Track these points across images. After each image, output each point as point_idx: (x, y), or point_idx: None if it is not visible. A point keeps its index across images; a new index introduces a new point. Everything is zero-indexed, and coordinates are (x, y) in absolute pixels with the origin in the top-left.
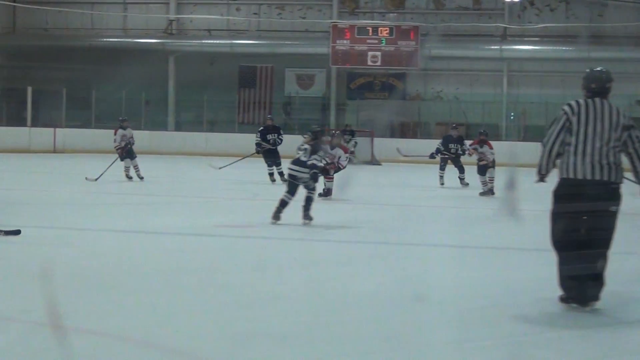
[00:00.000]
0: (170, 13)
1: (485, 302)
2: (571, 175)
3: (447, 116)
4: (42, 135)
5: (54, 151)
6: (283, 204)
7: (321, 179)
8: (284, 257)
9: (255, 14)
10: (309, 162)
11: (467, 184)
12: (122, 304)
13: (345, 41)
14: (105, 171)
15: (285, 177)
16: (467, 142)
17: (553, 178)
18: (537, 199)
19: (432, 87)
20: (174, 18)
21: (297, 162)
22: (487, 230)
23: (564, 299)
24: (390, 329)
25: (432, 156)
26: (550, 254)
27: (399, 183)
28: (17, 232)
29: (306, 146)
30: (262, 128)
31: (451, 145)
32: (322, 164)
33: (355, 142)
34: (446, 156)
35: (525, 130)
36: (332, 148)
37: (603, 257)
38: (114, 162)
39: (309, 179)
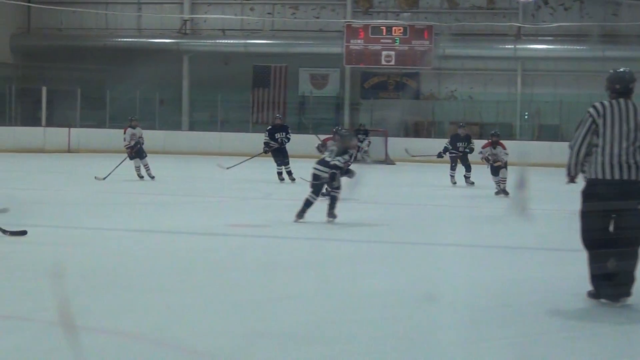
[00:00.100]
0: (185, 13)
1: (497, 301)
2: (599, 176)
3: (461, 116)
4: (57, 135)
5: (69, 151)
6: (308, 203)
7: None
8: (296, 257)
9: (269, 13)
10: (332, 163)
11: (473, 183)
12: (136, 303)
13: (359, 41)
14: (113, 170)
15: (308, 176)
16: (476, 142)
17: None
18: (548, 199)
19: (446, 86)
20: (188, 18)
21: (321, 162)
22: (499, 229)
23: (593, 295)
24: (402, 329)
25: (439, 155)
26: (563, 253)
27: (412, 182)
28: (23, 233)
29: (334, 147)
30: (270, 127)
31: (459, 144)
32: (342, 165)
33: (369, 142)
34: (454, 155)
35: (539, 129)
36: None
37: (632, 254)
38: (122, 161)
39: (328, 178)
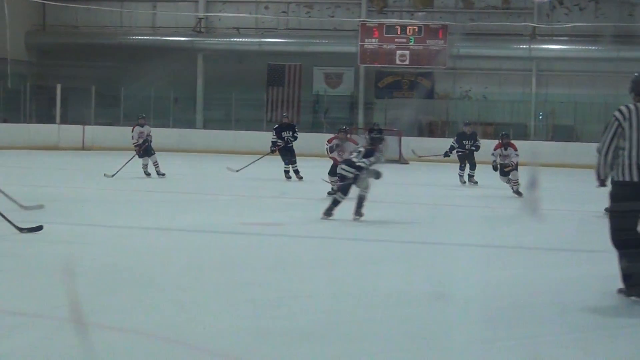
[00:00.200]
0: (199, 11)
1: (510, 301)
2: (627, 178)
3: (476, 115)
4: (71, 132)
5: (83, 148)
6: (335, 202)
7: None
8: (309, 255)
9: (283, 12)
10: (357, 164)
11: (476, 182)
12: (149, 300)
13: (373, 40)
14: (122, 167)
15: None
16: (488, 142)
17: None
18: (562, 199)
19: (461, 86)
20: (203, 16)
21: (347, 162)
22: (513, 229)
23: (624, 292)
24: (415, 328)
25: (446, 154)
26: (577, 253)
27: (426, 182)
28: (39, 228)
29: (361, 148)
30: (277, 126)
31: (465, 142)
32: (366, 167)
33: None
34: (461, 153)
35: (553, 130)
36: (342, 143)
37: None
38: (131, 158)
39: (353, 179)
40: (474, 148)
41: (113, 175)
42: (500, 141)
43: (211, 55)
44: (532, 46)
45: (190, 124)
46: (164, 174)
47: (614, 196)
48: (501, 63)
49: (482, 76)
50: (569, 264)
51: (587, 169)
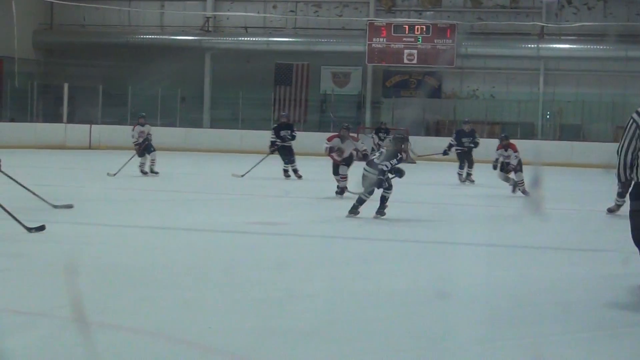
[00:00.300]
0: (207, 10)
1: (515, 301)
2: None
3: (483, 115)
4: (78, 131)
5: (90, 147)
6: (360, 201)
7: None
8: (313, 255)
9: (291, 11)
10: (379, 166)
11: (473, 181)
12: (153, 300)
13: (381, 39)
14: (123, 166)
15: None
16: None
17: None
18: (568, 199)
19: (468, 85)
20: (211, 15)
21: (370, 163)
22: (518, 229)
23: None
24: (419, 327)
25: (445, 152)
26: (582, 253)
27: (432, 181)
28: (42, 228)
29: (383, 149)
30: (275, 125)
31: (464, 140)
32: (388, 170)
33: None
34: (460, 151)
35: (561, 129)
36: (343, 141)
37: None
38: (131, 157)
39: (375, 182)
40: (472, 145)
41: (115, 174)
42: (501, 143)
43: (219, 54)
44: (540, 45)
45: (198, 123)
46: (157, 173)
47: (633, 195)
48: (509, 62)
49: (490, 75)
50: (573, 263)
51: (594, 168)
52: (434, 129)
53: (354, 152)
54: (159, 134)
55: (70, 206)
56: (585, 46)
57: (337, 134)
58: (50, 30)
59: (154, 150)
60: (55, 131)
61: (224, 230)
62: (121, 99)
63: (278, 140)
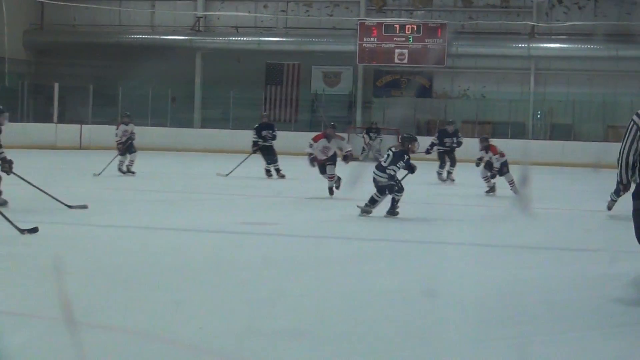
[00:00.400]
0: (198, 10)
1: (505, 300)
2: None
3: (474, 114)
4: (69, 131)
5: (80, 147)
6: (373, 201)
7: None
8: (304, 255)
9: (282, 11)
10: (387, 170)
11: (453, 180)
12: (142, 300)
13: (372, 39)
14: (107, 166)
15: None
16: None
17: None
18: (558, 198)
19: (459, 85)
20: (202, 15)
21: (378, 166)
22: (508, 229)
23: None
24: (409, 327)
25: (427, 151)
26: (573, 252)
27: (421, 181)
28: (35, 230)
29: (390, 152)
30: (257, 125)
31: (446, 140)
32: (395, 173)
33: (381, 140)
34: (441, 150)
35: (551, 129)
36: (329, 141)
37: None
38: (115, 157)
39: (386, 186)
40: (455, 145)
41: (99, 174)
42: (481, 145)
43: (209, 54)
44: (530, 45)
45: (188, 123)
46: (134, 172)
47: (635, 195)
48: (499, 62)
49: (481, 75)
50: (563, 262)
51: (585, 168)
52: (425, 129)
53: (338, 151)
54: (150, 134)
55: (85, 206)
56: (576, 45)
57: (322, 133)
58: (41, 30)
59: (135, 151)
60: (45, 131)
61: (213, 231)
62: (112, 98)
63: (260, 140)
